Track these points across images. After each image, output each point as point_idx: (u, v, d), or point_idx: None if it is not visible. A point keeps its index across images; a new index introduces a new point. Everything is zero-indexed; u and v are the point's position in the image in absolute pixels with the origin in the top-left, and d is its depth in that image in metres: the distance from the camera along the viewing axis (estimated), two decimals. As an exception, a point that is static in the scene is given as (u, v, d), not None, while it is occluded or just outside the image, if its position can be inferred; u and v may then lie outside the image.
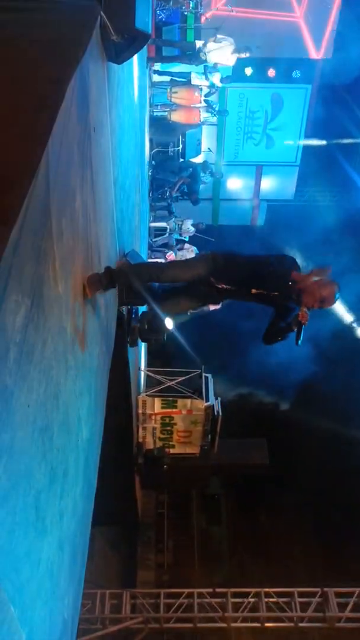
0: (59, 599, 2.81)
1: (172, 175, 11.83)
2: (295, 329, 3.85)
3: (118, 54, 4.02)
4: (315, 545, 12.91)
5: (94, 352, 3.63)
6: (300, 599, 9.60)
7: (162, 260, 11.81)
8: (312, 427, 13.41)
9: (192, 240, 12.61)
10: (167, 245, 12.11)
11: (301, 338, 3.83)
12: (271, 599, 9.69)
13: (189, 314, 11.71)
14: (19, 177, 1.86)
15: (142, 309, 6.16)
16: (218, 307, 11.63)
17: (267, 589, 9.83)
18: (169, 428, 9.64)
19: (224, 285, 4.07)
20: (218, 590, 9.66)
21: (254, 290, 4.01)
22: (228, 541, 14.87)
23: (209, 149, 15.12)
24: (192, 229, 12.17)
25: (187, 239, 12.49)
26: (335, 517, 12.81)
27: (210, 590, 9.64)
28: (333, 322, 14.13)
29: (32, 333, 2.00)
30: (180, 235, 12.25)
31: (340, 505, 12.79)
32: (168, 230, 12.33)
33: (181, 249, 11.99)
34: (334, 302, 3.87)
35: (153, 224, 11.95)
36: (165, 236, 12.37)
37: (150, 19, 3.96)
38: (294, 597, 9.49)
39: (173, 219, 12.33)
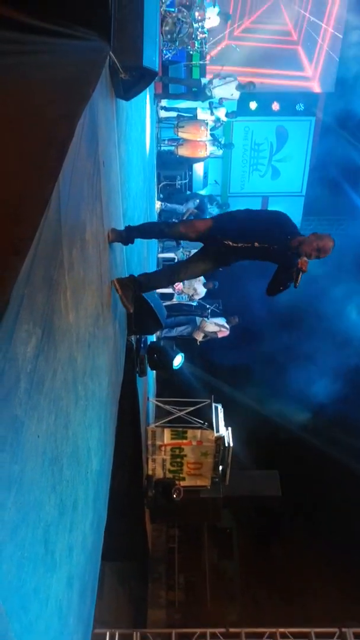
0: (68, 639, 2.76)
1: (179, 206, 11.96)
2: (295, 277, 4.26)
3: (126, 90, 4.11)
4: (332, 581, 12.58)
5: (104, 382, 3.62)
6: (318, 640, 9.28)
7: (170, 290, 11.90)
8: (327, 458, 13.24)
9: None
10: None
11: (299, 282, 4.27)
12: (287, 640, 9.39)
13: (198, 343, 11.80)
14: (31, 209, 1.88)
15: (151, 338, 6.17)
16: (227, 334, 11.71)
17: (282, 629, 9.50)
18: (179, 460, 9.52)
19: (230, 242, 4.38)
20: (231, 630, 9.36)
21: (257, 244, 4.35)
22: (241, 577, 14.54)
23: (215, 181, 15.32)
24: (203, 289, 11.98)
25: (195, 303, 12.37)
26: (352, 552, 12.54)
27: (223, 630, 9.36)
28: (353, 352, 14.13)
29: (42, 363, 2.00)
30: (190, 300, 12.11)
31: (358, 539, 12.55)
32: (176, 261, 12.39)
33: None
34: (330, 251, 4.25)
35: (161, 255, 12.00)
36: (171, 255, 12.44)
37: (157, 58, 4.05)
38: (311, 637, 9.17)
39: (181, 249, 12.38)
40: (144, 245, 7.13)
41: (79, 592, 3.00)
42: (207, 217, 12.32)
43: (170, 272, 5.02)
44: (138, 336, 5.81)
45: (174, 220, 11.35)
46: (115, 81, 3.99)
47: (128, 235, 4.34)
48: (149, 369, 7.02)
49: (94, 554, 3.55)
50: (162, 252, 11.89)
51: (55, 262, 2.17)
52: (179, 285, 11.54)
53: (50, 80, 2.96)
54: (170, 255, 11.70)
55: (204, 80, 11.47)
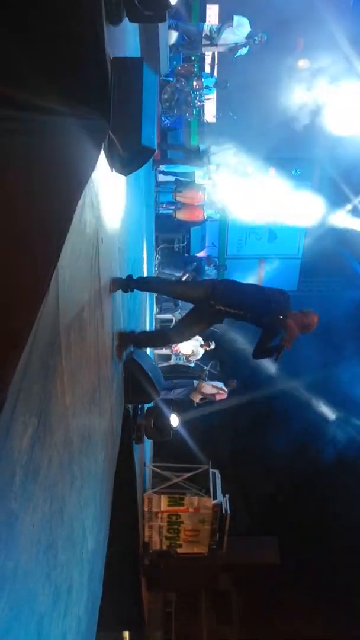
0: None
1: (177, 269, 12.11)
2: (278, 351, 4.65)
3: (124, 166, 4.23)
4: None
5: (99, 457, 3.60)
6: None
7: (168, 352, 11.93)
8: (325, 523, 12.99)
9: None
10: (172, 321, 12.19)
11: (280, 356, 4.66)
12: None
13: (195, 405, 11.73)
14: (28, 301, 1.91)
15: (148, 405, 6.15)
16: (225, 397, 11.66)
17: None
18: (176, 527, 9.33)
19: (222, 307, 4.67)
20: None
21: (249, 315, 4.69)
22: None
23: (212, 243, 15.55)
24: (201, 350, 12.03)
25: (192, 365, 12.42)
26: (354, 618, 12.16)
27: None
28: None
29: (38, 452, 2.00)
30: (187, 361, 12.18)
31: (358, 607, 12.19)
32: (173, 322, 12.46)
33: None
34: (315, 326, 4.70)
35: (159, 316, 12.08)
36: (169, 316, 12.51)
37: (155, 136, 4.19)
38: None
39: (179, 310, 12.46)
40: (142, 310, 7.19)
41: None
42: (205, 278, 12.54)
43: (167, 335, 5.41)
44: (135, 404, 5.79)
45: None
46: (113, 157, 4.12)
47: (128, 283, 4.63)
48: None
49: (87, 635, 3.45)
50: (160, 313, 11.97)
51: (52, 348, 2.19)
52: (176, 347, 11.57)
53: (49, 163, 3.04)
54: (168, 316, 11.77)
55: (202, 147, 11.80)
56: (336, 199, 15.06)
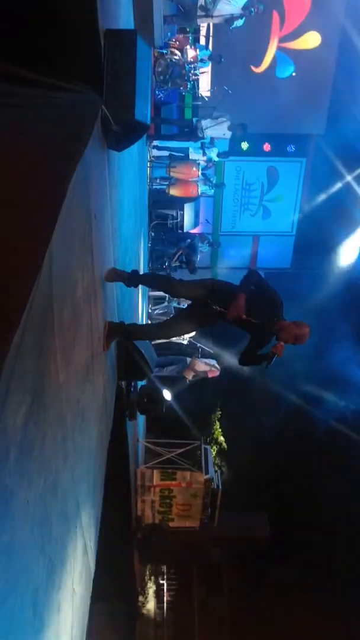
0: None
1: (171, 246, 12.08)
2: (270, 358, 4.50)
3: (118, 142, 4.20)
4: (323, 620, 12.44)
5: (93, 433, 3.63)
6: None
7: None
8: (316, 495, 13.19)
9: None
10: (165, 314, 12.22)
11: (271, 364, 4.50)
12: None
13: (187, 382, 11.81)
14: (21, 280, 1.91)
15: (141, 383, 6.19)
16: (217, 374, 11.73)
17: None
18: (168, 501, 9.45)
19: (219, 308, 4.58)
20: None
21: (244, 317, 4.49)
22: (230, 614, 14.34)
23: (206, 220, 15.50)
24: None
25: (185, 342, 12.45)
26: (340, 591, 12.42)
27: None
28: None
29: (32, 429, 2.02)
30: (181, 338, 12.20)
31: (346, 579, 12.44)
32: (167, 299, 12.48)
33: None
34: (306, 339, 4.50)
35: (152, 293, 12.09)
36: (164, 304, 12.53)
37: (149, 111, 4.14)
38: None
39: (174, 300, 12.50)
40: (136, 292, 7.19)
41: (66, 649, 2.97)
42: (197, 257, 12.51)
43: (157, 330, 5.40)
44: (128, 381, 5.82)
45: (166, 261, 11.51)
46: (107, 133, 4.07)
47: (131, 278, 4.60)
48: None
49: (82, 607, 3.52)
50: (153, 290, 11.96)
51: (46, 327, 2.20)
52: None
53: (43, 138, 3.02)
54: (161, 293, 11.79)
55: (196, 121, 11.69)
56: (331, 176, 15.04)
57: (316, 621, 12.44)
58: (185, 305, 12.32)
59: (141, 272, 5.04)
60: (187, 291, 4.95)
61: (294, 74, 14.47)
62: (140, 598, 12.67)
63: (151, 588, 13.65)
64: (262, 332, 4.59)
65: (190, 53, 11.27)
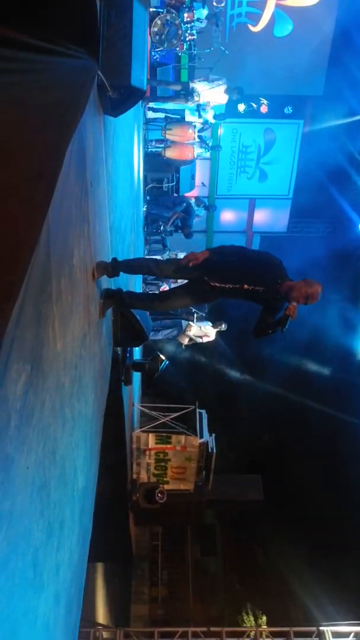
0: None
1: (166, 210, 11.97)
2: (283, 322, 4.24)
3: (114, 108, 4.15)
4: (312, 579, 12.80)
5: (90, 399, 3.68)
6: (297, 639, 9.45)
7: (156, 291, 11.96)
8: (307, 460, 13.42)
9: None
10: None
11: (286, 327, 4.24)
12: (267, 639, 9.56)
13: (183, 347, 11.88)
14: (20, 250, 1.91)
15: (137, 348, 6.23)
16: (212, 339, 11.80)
17: (262, 628, 9.72)
18: (163, 464, 9.60)
19: (217, 284, 4.40)
20: (212, 629, 9.51)
21: (245, 286, 4.33)
22: (223, 573, 14.74)
23: (202, 183, 15.37)
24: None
25: None
26: (331, 554, 12.73)
27: (205, 629, 9.50)
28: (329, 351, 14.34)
29: (31, 397, 2.05)
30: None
31: (338, 538, 12.73)
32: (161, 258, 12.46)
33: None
34: (318, 298, 4.24)
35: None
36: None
37: (146, 76, 4.08)
38: (290, 636, 9.34)
39: (167, 252, 12.43)
40: (130, 252, 7.17)
41: (66, 606, 3.07)
42: (193, 220, 12.43)
43: (152, 301, 5.19)
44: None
45: (162, 225, 11.43)
46: (103, 98, 4.03)
47: (114, 267, 4.35)
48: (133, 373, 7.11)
49: (79, 567, 3.62)
50: (149, 254, 11.92)
51: (44, 296, 2.21)
52: (165, 288, 11.60)
53: (38, 105, 2.98)
54: (157, 258, 11.75)
55: (192, 83, 11.48)
56: (329, 139, 14.88)
57: (309, 582, 12.80)
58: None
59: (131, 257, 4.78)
60: (177, 269, 4.62)
61: (290, 28, 14.16)
62: (135, 557, 12.97)
63: (146, 549, 14.00)
64: (271, 298, 4.36)
65: (187, 16, 11.02)
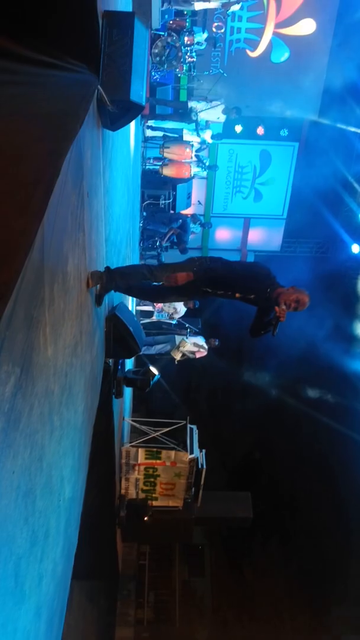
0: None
1: (162, 226, 12.06)
2: (274, 324, 4.46)
3: (113, 122, 4.20)
4: (302, 603, 12.67)
5: (79, 409, 3.66)
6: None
7: (150, 308, 11.97)
8: (298, 480, 13.38)
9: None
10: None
11: (276, 331, 4.48)
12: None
13: (176, 362, 11.85)
14: (14, 254, 1.92)
15: (129, 361, 6.21)
16: (205, 354, 11.79)
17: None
18: (152, 480, 9.51)
19: (210, 290, 4.64)
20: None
21: (237, 295, 4.61)
22: (211, 595, 14.53)
23: (198, 201, 15.53)
24: (183, 308, 11.98)
25: (174, 322, 12.41)
26: (322, 575, 12.63)
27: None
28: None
29: (19, 400, 2.04)
30: (170, 318, 12.16)
31: (328, 560, 12.65)
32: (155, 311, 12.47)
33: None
34: (307, 305, 4.48)
35: (139, 307, 12.06)
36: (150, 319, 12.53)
37: (145, 92, 4.13)
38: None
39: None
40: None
41: (47, 620, 3.02)
42: (189, 237, 12.50)
43: (144, 291, 5.25)
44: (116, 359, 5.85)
45: (158, 241, 11.48)
46: (102, 112, 4.08)
47: (107, 274, 4.35)
48: (125, 387, 7.09)
49: (63, 580, 3.57)
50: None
51: (37, 300, 2.21)
52: (159, 304, 11.61)
53: (38, 115, 3.01)
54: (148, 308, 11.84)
55: (191, 103, 11.62)
56: (323, 161, 15.03)
57: (298, 603, 12.68)
58: (175, 322, 12.36)
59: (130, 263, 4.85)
60: (169, 280, 4.65)
61: (287, 55, 14.42)
62: (121, 577, 12.79)
63: (133, 568, 13.79)
64: (264, 306, 4.61)
65: (187, 39, 11.21)
